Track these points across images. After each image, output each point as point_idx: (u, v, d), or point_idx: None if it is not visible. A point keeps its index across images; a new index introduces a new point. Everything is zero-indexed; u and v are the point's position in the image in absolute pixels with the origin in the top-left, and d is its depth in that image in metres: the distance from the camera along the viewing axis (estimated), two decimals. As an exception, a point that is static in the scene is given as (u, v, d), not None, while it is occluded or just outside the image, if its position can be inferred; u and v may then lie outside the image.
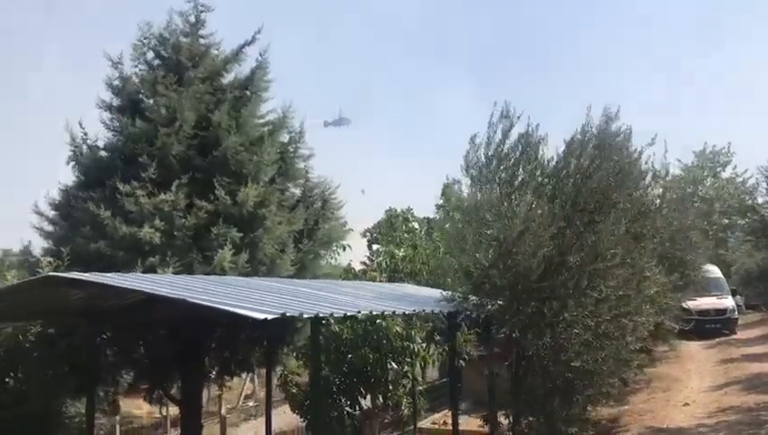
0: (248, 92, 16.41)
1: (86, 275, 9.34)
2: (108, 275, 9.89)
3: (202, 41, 16.33)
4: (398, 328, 14.49)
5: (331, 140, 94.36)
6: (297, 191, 17.14)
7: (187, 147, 15.02)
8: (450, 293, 11.03)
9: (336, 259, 18.91)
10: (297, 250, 15.80)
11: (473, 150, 10.93)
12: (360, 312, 9.08)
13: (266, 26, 18.10)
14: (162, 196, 14.06)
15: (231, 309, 6.94)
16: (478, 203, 11.22)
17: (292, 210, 16.21)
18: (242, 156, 15.12)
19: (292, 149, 17.00)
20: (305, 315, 7.66)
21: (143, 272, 12.62)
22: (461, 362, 15.82)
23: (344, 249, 18.52)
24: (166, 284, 9.46)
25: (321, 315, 8.01)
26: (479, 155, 10.97)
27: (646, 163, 15.20)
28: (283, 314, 7.18)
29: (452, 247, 11.99)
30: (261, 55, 16.66)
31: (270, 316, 6.56)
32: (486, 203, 11.03)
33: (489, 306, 10.79)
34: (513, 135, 10.98)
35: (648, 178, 16.22)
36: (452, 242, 11.99)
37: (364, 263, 24.46)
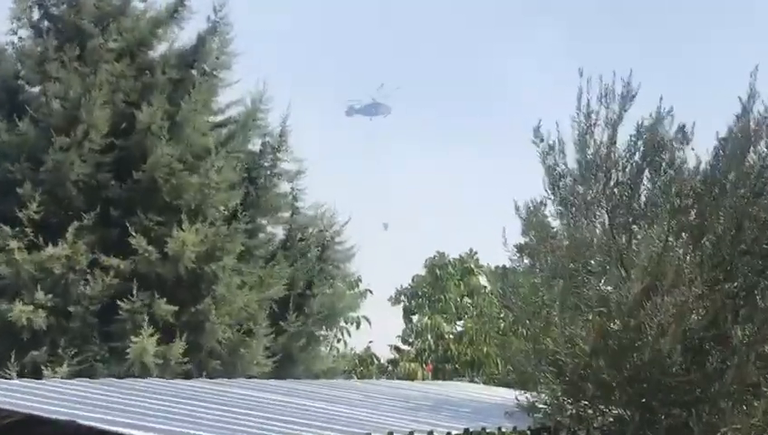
0: (194, 73, 16.19)
1: None
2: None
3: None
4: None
5: (354, 136, 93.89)
6: (278, 231, 17.16)
7: (94, 166, 14.86)
8: (529, 396, 10.77)
9: (345, 343, 19.06)
10: (276, 332, 15.61)
11: (557, 153, 11.21)
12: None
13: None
14: (50, 249, 13.89)
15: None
16: (572, 241, 11.08)
17: (269, 263, 16.03)
18: (179, 178, 14.89)
19: (266, 163, 16.95)
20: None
21: (19, 374, 12.63)
22: None
23: (358, 326, 18.95)
24: (54, 396, 9.31)
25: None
26: (566, 162, 11.16)
27: None
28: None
29: (527, 317, 11.75)
30: (216, 13, 16.31)
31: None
32: (585, 241, 10.91)
33: (598, 418, 10.61)
34: (627, 126, 11.08)
35: None
36: (527, 310, 11.70)
37: (395, 347, 24.20)
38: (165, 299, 13.96)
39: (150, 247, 14.15)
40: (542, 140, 11.19)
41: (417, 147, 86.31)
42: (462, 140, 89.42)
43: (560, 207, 11.25)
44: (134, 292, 13.83)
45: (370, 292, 19.57)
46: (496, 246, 11.85)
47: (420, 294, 28.45)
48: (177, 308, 14.03)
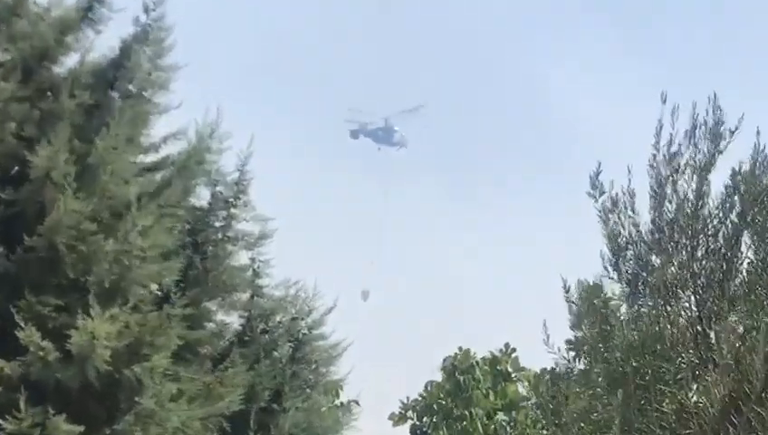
0: (115, 95, 16.34)
1: None
2: None
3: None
4: None
5: (351, 178, 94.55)
6: (232, 319, 17.54)
7: None
8: None
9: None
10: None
11: (623, 210, 11.35)
12: None
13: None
14: None
15: None
16: (642, 336, 11.04)
17: (220, 365, 16.22)
18: (90, 244, 14.86)
19: (217, 223, 17.37)
20: None
21: None
22: None
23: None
24: None
25: None
26: (637, 223, 11.32)
27: None
28: None
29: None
30: (147, 12, 16.51)
31: None
32: (661, 336, 10.87)
33: None
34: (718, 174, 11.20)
35: None
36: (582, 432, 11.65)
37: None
38: (65, 416, 13.73)
39: (46, 343, 13.92)
40: (602, 193, 11.26)
41: (432, 194, 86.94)
42: (489, 190, 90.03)
43: (626, 288, 11.26)
44: (21, 406, 13.58)
45: (356, 403, 19.59)
46: (536, 340, 11.97)
47: (436, 408, 28.38)
48: (82, 429, 13.82)
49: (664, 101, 11.08)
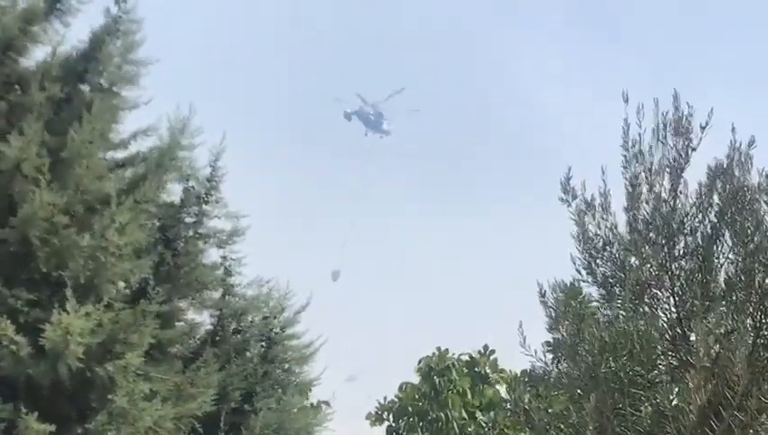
0: (85, 89, 16.32)
1: None
2: None
3: None
4: None
5: (335, 166, 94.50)
6: (203, 318, 17.55)
7: None
8: None
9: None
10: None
11: (597, 212, 11.54)
12: None
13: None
14: None
15: None
16: (615, 338, 10.97)
17: (191, 365, 16.25)
18: (64, 239, 14.76)
19: (189, 220, 17.32)
20: None
21: None
22: None
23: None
24: None
25: None
26: (613, 224, 11.46)
27: None
28: None
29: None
30: (118, 4, 16.43)
31: None
32: (635, 337, 10.74)
33: None
34: (693, 171, 11.33)
35: None
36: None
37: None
38: (37, 414, 13.69)
39: (19, 338, 13.87)
40: (574, 197, 11.37)
41: (410, 185, 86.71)
42: (470, 182, 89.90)
43: (601, 290, 11.39)
44: (-13, 401, 13.47)
45: (327, 404, 19.82)
46: (514, 344, 12.00)
47: (411, 410, 28.26)
48: (53, 428, 13.79)
49: (626, 101, 11.18)
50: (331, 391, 20.00)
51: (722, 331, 10.63)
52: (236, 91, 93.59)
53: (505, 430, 23.72)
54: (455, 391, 26.55)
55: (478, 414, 25.44)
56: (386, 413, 30.10)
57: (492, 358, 28.17)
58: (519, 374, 26.18)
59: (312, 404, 18.65)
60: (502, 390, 26.90)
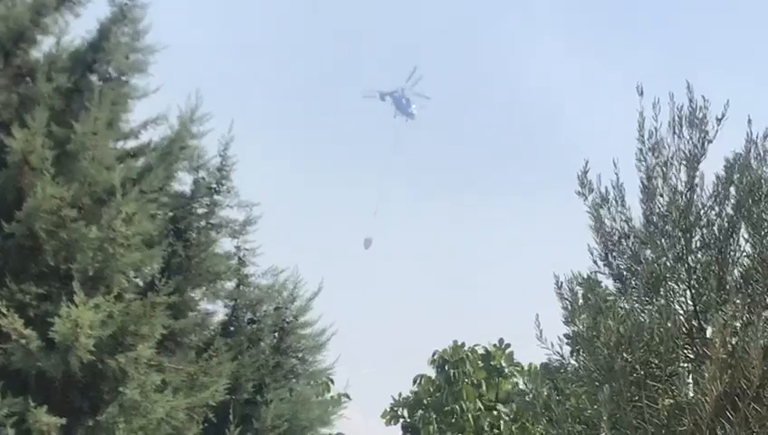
0: (93, 79, 16.31)
1: None
2: None
3: None
4: None
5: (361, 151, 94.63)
6: (216, 308, 17.44)
7: None
8: None
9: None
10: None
11: (612, 207, 11.53)
12: None
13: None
14: None
15: None
16: (632, 331, 10.94)
17: (204, 355, 15.97)
18: (71, 231, 14.80)
19: (200, 210, 17.26)
20: None
21: None
22: None
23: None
24: None
25: None
26: (629, 218, 11.47)
27: None
28: None
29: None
30: None
31: None
32: (652, 330, 10.77)
33: None
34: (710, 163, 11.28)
35: None
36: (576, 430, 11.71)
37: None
38: (47, 407, 13.65)
39: (28, 331, 13.82)
40: (591, 191, 11.32)
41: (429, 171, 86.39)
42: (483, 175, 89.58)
43: (617, 284, 11.33)
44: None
45: (347, 397, 19.54)
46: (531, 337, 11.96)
47: (426, 403, 28.04)
48: (64, 421, 13.73)
49: (641, 93, 11.12)
50: (345, 378, 19.80)
51: (738, 323, 10.59)
52: (254, 74, 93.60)
53: (526, 423, 23.68)
54: (469, 382, 26.39)
55: (500, 407, 25.34)
56: (400, 409, 29.86)
57: (507, 351, 28.02)
58: (539, 367, 26.15)
59: (331, 397, 18.61)
60: (520, 383, 26.85)
